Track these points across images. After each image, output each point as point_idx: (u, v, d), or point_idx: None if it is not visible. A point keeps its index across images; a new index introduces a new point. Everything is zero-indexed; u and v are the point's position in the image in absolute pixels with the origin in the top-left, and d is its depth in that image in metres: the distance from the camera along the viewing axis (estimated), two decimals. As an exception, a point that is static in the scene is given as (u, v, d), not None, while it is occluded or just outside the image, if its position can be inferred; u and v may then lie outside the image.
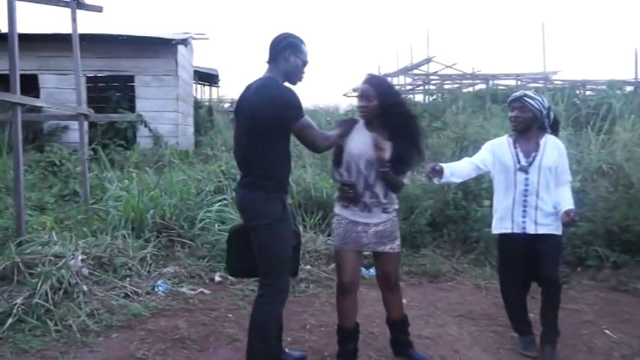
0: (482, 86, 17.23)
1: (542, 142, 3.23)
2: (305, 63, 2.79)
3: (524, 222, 3.22)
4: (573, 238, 5.06)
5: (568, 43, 47.52)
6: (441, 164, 3.24)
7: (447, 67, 18.38)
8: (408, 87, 20.24)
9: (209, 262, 4.76)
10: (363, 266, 5.04)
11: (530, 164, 3.19)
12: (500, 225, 3.33)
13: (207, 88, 22.05)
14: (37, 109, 9.70)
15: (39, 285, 3.63)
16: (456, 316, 4.07)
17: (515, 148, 3.26)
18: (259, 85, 2.68)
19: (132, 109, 12.71)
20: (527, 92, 3.27)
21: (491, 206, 5.35)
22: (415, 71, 18.77)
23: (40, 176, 8.93)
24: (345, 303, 3.06)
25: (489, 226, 5.23)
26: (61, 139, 12.13)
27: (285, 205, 2.71)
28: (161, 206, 5.16)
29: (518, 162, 3.22)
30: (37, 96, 12.28)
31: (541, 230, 3.19)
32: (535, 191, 3.18)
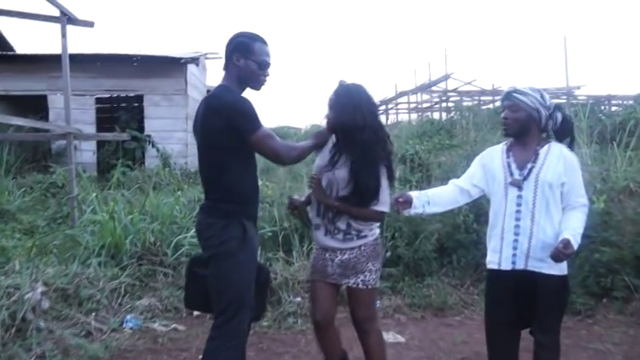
0: (503, 103, 16.67)
1: (542, 150, 2.49)
2: (261, 64, 2.39)
3: (514, 255, 2.48)
4: (597, 265, 4.52)
5: (591, 57, 46.48)
6: (409, 193, 2.67)
7: (466, 83, 17.96)
8: (426, 104, 19.80)
9: (190, 292, 4.32)
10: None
11: (525, 178, 2.48)
12: (491, 258, 2.59)
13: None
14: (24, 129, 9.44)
15: (-12, 321, 3.26)
16: (460, 358, 3.55)
17: (507, 157, 2.57)
18: (208, 96, 2.38)
19: (141, 129, 12.56)
20: (520, 87, 2.54)
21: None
22: (433, 88, 18.34)
23: (41, 198, 8.72)
24: (323, 339, 2.71)
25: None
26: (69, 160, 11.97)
27: (248, 233, 2.33)
28: (143, 231, 4.78)
29: (510, 174, 2.52)
30: (47, 116, 12.26)
31: (534, 267, 2.45)
32: (530, 214, 2.44)
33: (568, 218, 2.45)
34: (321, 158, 2.64)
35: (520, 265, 2.47)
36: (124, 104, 13.68)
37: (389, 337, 3.93)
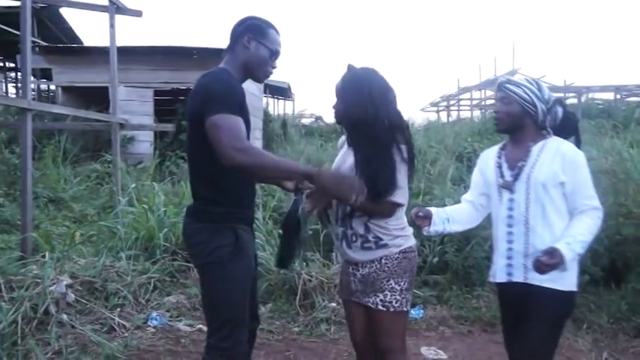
0: (574, 100, 15.69)
1: (535, 147, 2.20)
2: (273, 53, 2.11)
3: (509, 265, 2.19)
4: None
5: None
6: (429, 208, 2.35)
7: (535, 79, 16.95)
8: (490, 101, 18.93)
9: (221, 291, 4.13)
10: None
11: (516, 179, 2.20)
12: (494, 271, 2.29)
13: (281, 102, 22.00)
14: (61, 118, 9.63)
15: (10, 312, 3.18)
16: (509, 383, 3.13)
17: (499, 157, 2.31)
18: (197, 79, 2.05)
19: (200, 121, 12.63)
20: (514, 78, 2.31)
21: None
22: (498, 84, 17.44)
23: (95, 187, 8.89)
24: None
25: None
26: (127, 150, 12.24)
27: (241, 239, 2.03)
28: (178, 225, 4.63)
29: (501, 176, 2.25)
30: (108, 107, 12.58)
31: (534, 280, 2.13)
32: (523, 219, 2.16)
33: (572, 224, 2.14)
34: (338, 156, 2.31)
35: (519, 278, 2.18)
36: (182, 97, 13.84)
37: (430, 352, 3.57)
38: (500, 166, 2.28)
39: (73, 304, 3.56)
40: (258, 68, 2.10)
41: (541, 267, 2.02)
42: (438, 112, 22.93)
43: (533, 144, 2.22)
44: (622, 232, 4.52)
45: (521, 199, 2.18)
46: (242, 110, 1.96)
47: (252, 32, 2.07)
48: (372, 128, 2.06)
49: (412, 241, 2.22)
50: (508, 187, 2.21)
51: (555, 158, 2.15)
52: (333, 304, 4.00)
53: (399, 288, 2.15)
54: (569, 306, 2.23)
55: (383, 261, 2.15)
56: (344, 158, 2.23)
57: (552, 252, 2.02)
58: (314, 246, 4.77)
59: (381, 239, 2.15)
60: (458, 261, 4.48)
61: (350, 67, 2.12)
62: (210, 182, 2.03)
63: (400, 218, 2.18)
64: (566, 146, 2.19)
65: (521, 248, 2.17)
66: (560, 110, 2.27)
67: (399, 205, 2.12)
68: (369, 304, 2.17)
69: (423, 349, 3.57)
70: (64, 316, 3.40)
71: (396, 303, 2.14)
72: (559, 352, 3.51)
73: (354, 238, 2.17)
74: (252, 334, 2.24)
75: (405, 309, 2.17)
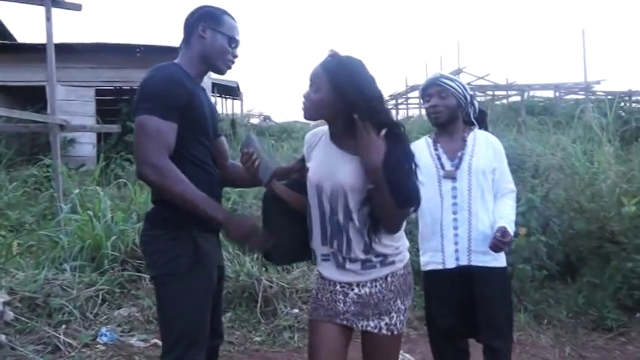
0: (517, 98, 16.20)
1: (469, 138, 2.39)
2: (231, 40, 1.96)
3: (456, 251, 2.31)
4: (630, 276, 4.07)
5: (611, 51, 45.47)
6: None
7: (479, 78, 17.44)
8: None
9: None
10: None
11: (458, 167, 2.34)
12: (430, 258, 2.38)
13: (229, 101, 21.59)
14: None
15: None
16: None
17: (435, 149, 2.41)
18: None
19: (143, 121, 12.15)
20: (443, 72, 2.45)
21: (527, 235, 4.49)
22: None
23: (34, 193, 8.33)
24: None
25: (526, 260, 4.37)
26: (67, 153, 11.61)
27: (201, 249, 1.84)
28: (127, 232, 4.35)
29: (442, 167, 2.36)
30: (45, 107, 11.89)
31: (477, 261, 2.30)
32: (467, 205, 2.32)
33: (500, 206, 2.38)
34: (313, 162, 1.89)
35: (463, 261, 2.31)
36: (126, 96, 13.29)
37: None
38: (439, 158, 2.38)
39: (12, 322, 3.25)
40: (218, 58, 1.95)
41: (499, 245, 2.21)
42: (386, 110, 23.19)
43: (466, 135, 2.41)
44: (574, 227, 4.62)
45: (464, 187, 2.33)
46: (187, 110, 1.81)
47: (207, 20, 1.92)
48: (380, 114, 1.75)
49: (407, 251, 1.95)
50: (451, 176, 2.34)
51: (488, 147, 2.38)
52: (296, 311, 3.86)
53: (404, 308, 1.87)
54: (509, 280, 2.52)
55: (389, 279, 1.84)
56: (334, 160, 1.82)
57: (505, 231, 2.22)
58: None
59: (387, 256, 1.84)
60: (418, 261, 4.44)
61: (332, 53, 1.81)
62: None
63: (402, 233, 1.91)
64: (492, 137, 2.44)
65: (465, 233, 2.31)
66: (476, 103, 2.47)
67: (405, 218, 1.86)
68: (369, 329, 1.83)
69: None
70: (2, 337, 3.09)
71: (399, 325, 1.86)
72: (523, 350, 3.55)
73: (349, 262, 1.83)
74: (214, 352, 2.07)
75: (404, 329, 1.92)
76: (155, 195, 1.90)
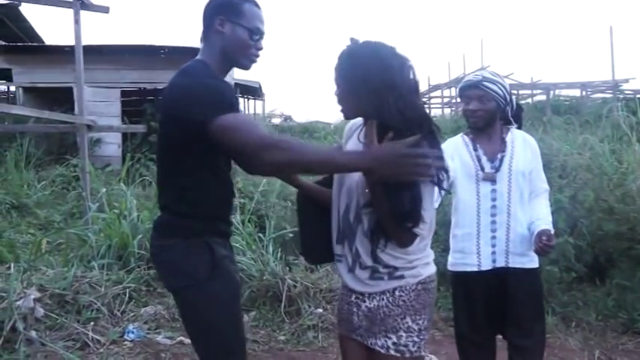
0: (543, 97, 15.96)
1: (508, 139, 2.35)
2: (253, 32, 1.75)
3: (493, 253, 2.29)
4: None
5: None
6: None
7: (503, 77, 17.18)
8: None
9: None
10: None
11: (498, 170, 2.31)
12: (462, 260, 2.34)
13: (251, 102, 21.74)
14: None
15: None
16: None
17: (475, 150, 2.36)
18: (172, 76, 1.75)
19: (167, 122, 12.31)
20: (485, 74, 2.35)
21: (555, 236, 4.40)
22: (468, 82, 17.61)
23: (61, 192, 8.51)
24: None
25: (554, 262, 4.28)
26: (94, 153, 11.82)
27: (218, 255, 1.73)
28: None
29: (481, 169, 2.32)
30: (72, 108, 12.13)
31: (514, 263, 2.29)
32: (506, 208, 2.29)
33: (537, 206, 2.35)
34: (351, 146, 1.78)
35: (500, 263, 2.29)
36: (150, 97, 13.46)
37: (422, 357, 3.46)
38: (479, 159, 2.34)
39: (42, 319, 3.31)
40: (240, 54, 1.76)
41: (546, 250, 2.18)
42: (408, 110, 23.04)
43: (505, 136, 2.36)
44: (603, 228, 4.52)
45: (503, 189, 2.29)
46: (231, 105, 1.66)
47: (225, 12, 1.73)
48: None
49: (432, 269, 1.74)
50: (491, 179, 2.30)
51: (526, 148, 2.35)
52: (320, 310, 3.86)
53: (416, 327, 1.67)
54: (541, 281, 2.52)
55: (397, 293, 1.68)
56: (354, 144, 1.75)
57: (549, 234, 2.19)
58: (295, 249, 4.62)
59: (396, 269, 1.67)
60: (443, 261, 4.40)
61: (352, 41, 1.63)
62: (181, 195, 1.74)
63: (424, 248, 1.71)
64: (529, 137, 2.41)
65: (503, 235, 2.28)
66: (514, 101, 2.41)
67: (417, 235, 1.63)
68: (377, 348, 1.68)
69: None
70: (33, 333, 3.15)
71: (413, 347, 1.66)
72: (552, 353, 3.48)
73: (359, 267, 1.70)
74: None
75: (423, 353, 1.70)
76: (164, 199, 1.80)
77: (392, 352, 1.66)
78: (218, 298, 1.72)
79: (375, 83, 1.55)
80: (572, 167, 5.93)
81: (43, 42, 13.69)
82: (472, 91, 2.31)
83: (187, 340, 3.47)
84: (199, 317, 1.73)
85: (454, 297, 2.50)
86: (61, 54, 12.05)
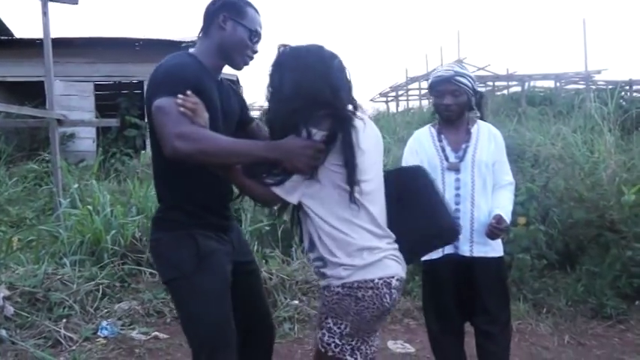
0: (518, 89, 16.15)
1: (474, 130, 2.42)
2: (252, 33, 1.83)
3: (456, 240, 2.28)
4: (630, 264, 4.08)
5: (612, 41, 45.10)
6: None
7: (480, 68, 17.37)
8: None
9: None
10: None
11: (462, 160, 2.37)
12: None
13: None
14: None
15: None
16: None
17: (440, 140, 2.42)
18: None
19: (142, 116, 12.15)
20: (456, 68, 2.39)
21: (526, 225, 4.50)
22: (444, 74, 17.72)
23: (34, 188, 8.35)
24: None
25: (525, 250, 4.37)
26: (67, 148, 11.61)
27: (203, 248, 1.75)
28: (127, 226, 4.36)
29: (446, 159, 2.38)
30: (43, 103, 11.87)
31: (479, 252, 2.33)
32: (469, 196, 2.35)
33: (497, 196, 2.40)
34: None
35: (465, 252, 2.33)
36: (125, 90, 13.25)
37: (397, 346, 3.50)
38: (443, 150, 2.39)
39: (12, 317, 3.26)
40: (237, 51, 1.83)
41: (495, 232, 2.25)
42: (387, 102, 23.11)
43: (471, 127, 2.43)
44: (573, 216, 4.62)
45: (467, 179, 2.35)
46: (197, 95, 1.67)
47: (229, 11, 1.81)
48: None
49: (364, 275, 1.59)
50: (455, 168, 2.36)
51: (490, 140, 2.42)
52: (296, 302, 3.87)
53: (338, 331, 1.61)
54: (505, 268, 2.63)
55: (325, 292, 1.64)
56: None
57: (499, 218, 2.26)
58: (272, 242, 4.62)
59: (325, 264, 1.62)
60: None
61: (279, 48, 1.71)
62: (169, 184, 1.80)
63: (355, 252, 1.59)
64: (494, 129, 2.49)
65: (467, 224, 2.32)
66: (477, 89, 2.47)
67: (280, 200, 1.61)
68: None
69: (390, 344, 3.51)
70: (3, 332, 3.11)
71: (335, 348, 1.62)
72: (522, 339, 3.56)
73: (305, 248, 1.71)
74: (268, 346, 2.00)
75: (348, 358, 1.62)
76: (157, 191, 1.87)
77: (319, 345, 1.66)
78: (203, 292, 1.73)
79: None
80: (544, 157, 6.04)
81: (13, 35, 13.34)
82: (445, 85, 2.34)
83: (162, 335, 3.46)
84: (185, 310, 1.78)
85: (423, 285, 2.57)
86: (32, 47, 11.72)
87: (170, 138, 1.55)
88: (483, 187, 2.37)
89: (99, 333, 3.38)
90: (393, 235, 1.70)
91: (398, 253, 1.69)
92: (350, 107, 1.66)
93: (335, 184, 1.59)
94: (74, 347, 3.20)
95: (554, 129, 7.81)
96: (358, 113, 1.66)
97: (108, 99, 13.05)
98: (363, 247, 1.60)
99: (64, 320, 3.40)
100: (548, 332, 3.66)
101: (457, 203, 2.34)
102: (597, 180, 5.03)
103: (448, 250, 2.32)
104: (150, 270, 4.12)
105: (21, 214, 6.64)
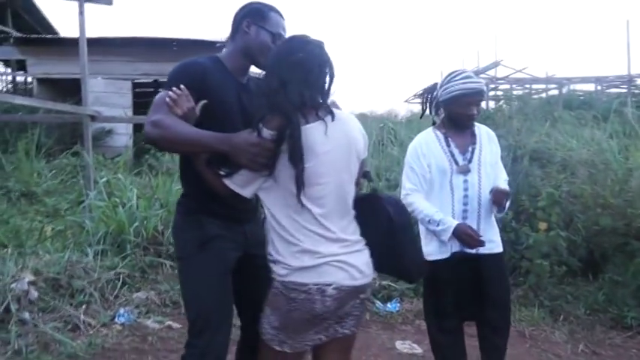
0: (556, 92, 15.75)
1: (477, 132, 2.50)
2: (275, 36, 1.95)
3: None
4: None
5: (657, 43, 43.17)
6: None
7: (517, 71, 16.98)
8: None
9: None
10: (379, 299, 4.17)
11: (470, 162, 2.43)
12: (436, 249, 2.40)
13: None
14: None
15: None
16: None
17: (448, 145, 2.45)
18: None
19: (177, 113, 12.43)
20: (479, 79, 2.47)
21: (547, 230, 4.41)
22: (481, 76, 17.46)
23: (71, 181, 8.67)
24: None
25: (545, 256, 4.28)
26: (106, 143, 12.02)
27: (208, 233, 1.86)
28: (150, 219, 4.50)
29: (455, 162, 2.42)
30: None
31: (484, 249, 2.38)
32: (476, 196, 2.41)
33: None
34: None
35: (471, 250, 2.36)
36: (161, 89, 13.61)
37: (404, 346, 3.51)
38: (452, 154, 2.43)
39: (35, 301, 3.42)
40: (260, 54, 1.93)
41: (500, 196, 2.34)
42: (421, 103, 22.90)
43: (474, 129, 2.49)
44: (599, 223, 4.49)
45: (474, 180, 2.41)
46: (201, 90, 1.79)
47: (252, 16, 1.95)
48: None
49: (302, 278, 1.60)
50: (465, 170, 2.41)
51: (490, 141, 2.51)
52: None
53: (271, 320, 1.68)
54: (505, 263, 2.70)
55: (272, 283, 1.70)
56: None
57: (498, 187, 2.38)
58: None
59: (272, 258, 1.69)
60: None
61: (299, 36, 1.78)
62: (184, 174, 1.98)
63: (298, 253, 1.61)
64: (491, 131, 2.57)
65: (474, 223, 2.38)
66: None
67: (231, 191, 1.66)
68: None
69: (398, 344, 3.51)
70: (26, 314, 3.27)
71: (266, 334, 1.70)
72: (534, 345, 3.50)
73: None
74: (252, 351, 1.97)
75: (276, 348, 1.68)
76: (181, 182, 2.04)
77: (260, 327, 1.73)
78: (201, 274, 1.85)
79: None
80: (574, 162, 5.88)
81: (57, 34, 13.90)
82: (475, 97, 2.40)
83: (175, 325, 3.57)
84: (183, 289, 1.94)
85: (424, 285, 2.60)
86: (74, 46, 12.20)
87: (146, 124, 1.74)
88: (488, 187, 2.42)
89: (116, 320, 3.52)
90: (355, 239, 1.69)
91: (351, 259, 1.65)
92: (315, 104, 1.63)
93: (285, 184, 1.60)
94: (91, 332, 3.34)
95: (587, 133, 7.60)
96: (320, 113, 1.63)
97: (146, 96, 13.42)
98: (305, 249, 1.61)
99: (84, 306, 3.55)
100: (562, 340, 3.59)
101: (465, 204, 2.39)
102: (625, 187, 4.87)
103: (455, 248, 2.37)
104: (169, 262, 4.25)
105: (56, 205, 6.92)
